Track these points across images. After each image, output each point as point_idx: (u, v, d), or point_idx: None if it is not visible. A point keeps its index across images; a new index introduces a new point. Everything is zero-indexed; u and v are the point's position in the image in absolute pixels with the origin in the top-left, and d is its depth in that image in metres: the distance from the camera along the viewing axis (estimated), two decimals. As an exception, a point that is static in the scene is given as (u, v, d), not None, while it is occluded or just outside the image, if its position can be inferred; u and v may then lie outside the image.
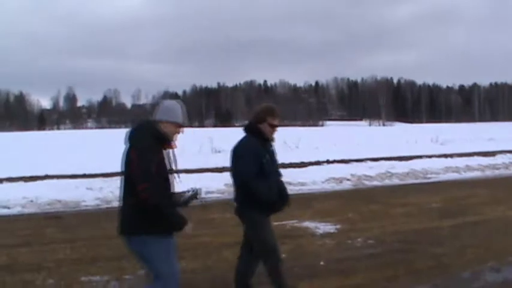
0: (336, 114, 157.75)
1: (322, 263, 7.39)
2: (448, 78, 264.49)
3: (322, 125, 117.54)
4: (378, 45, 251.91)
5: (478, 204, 11.98)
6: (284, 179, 15.12)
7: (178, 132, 4.68)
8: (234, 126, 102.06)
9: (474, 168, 19.49)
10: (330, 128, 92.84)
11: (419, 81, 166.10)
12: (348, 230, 9.50)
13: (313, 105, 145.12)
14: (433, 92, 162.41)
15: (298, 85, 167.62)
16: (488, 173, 19.06)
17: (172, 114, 4.62)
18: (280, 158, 17.94)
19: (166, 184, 4.59)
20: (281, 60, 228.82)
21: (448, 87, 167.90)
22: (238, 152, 5.40)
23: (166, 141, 4.60)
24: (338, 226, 9.80)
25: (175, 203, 4.60)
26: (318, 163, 19.04)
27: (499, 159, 21.84)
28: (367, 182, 16.45)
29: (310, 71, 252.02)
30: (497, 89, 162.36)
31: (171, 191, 4.68)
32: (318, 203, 12.40)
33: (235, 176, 5.44)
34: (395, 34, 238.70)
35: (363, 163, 19.08)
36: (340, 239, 8.78)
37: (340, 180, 16.27)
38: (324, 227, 9.72)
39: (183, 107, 4.72)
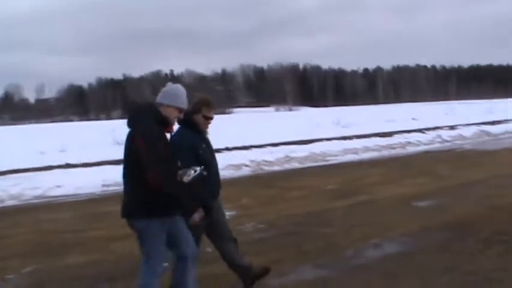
0: (244, 101, 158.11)
1: (209, 249, 7.37)
2: (352, 62, 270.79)
3: (229, 113, 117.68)
4: (284, 32, 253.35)
5: (371, 184, 12.30)
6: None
7: (179, 117, 4.73)
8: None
9: (372, 149, 19.95)
10: (237, 115, 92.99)
11: (324, 66, 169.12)
12: (241, 215, 9.54)
13: (221, 93, 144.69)
14: (338, 76, 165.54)
15: (205, 74, 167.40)
16: (385, 153, 19.52)
17: (176, 99, 4.63)
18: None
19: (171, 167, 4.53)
20: (187, 49, 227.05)
21: (352, 70, 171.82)
22: (172, 146, 5.16)
23: (168, 125, 4.62)
24: (231, 213, 9.73)
25: (187, 187, 4.55)
26: (217, 151, 18.67)
27: (395, 139, 22.46)
28: (266, 168, 16.51)
29: (216, 59, 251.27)
30: (399, 72, 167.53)
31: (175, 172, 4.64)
32: (214, 190, 12.31)
33: None
34: (301, 20, 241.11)
35: (263, 149, 19.16)
36: (231, 225, 8.71)
37: (239, 167, 16.27)
38: (217, 214, 9.69)
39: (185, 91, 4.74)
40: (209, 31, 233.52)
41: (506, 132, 27.17)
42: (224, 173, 14.96)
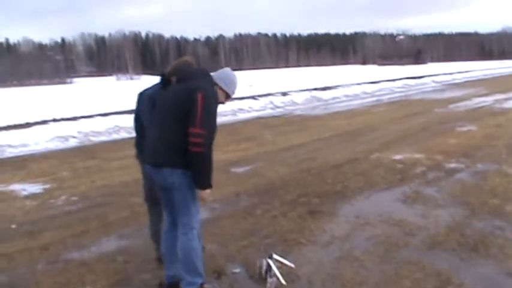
0: (85, 71, 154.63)
1: (13, 226, 7.08)
2: (195, 30, 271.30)
3: (70, 83, 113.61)
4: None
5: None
6: (4, 141, 14.31)
7: (223, 103, 4.71)
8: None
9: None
10: (77, 85, 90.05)
11: (167, 35, 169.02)
12: (56, 188, 9.24)
13: (61, 62, 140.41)
14: (180, 44, 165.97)
15: (43, 42, 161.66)
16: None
17: (231, 87, 4.71)
18: (8, 119, 16.74)
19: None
20: (23, 17, 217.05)
21: (195, 39, 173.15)
22: (145, 98, 5.14)
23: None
24: (47, 186, 9.47)
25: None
26: (44, 122, 17.92)
27: (227, 106, 22.58)
28: (94, 138, 16.08)
29: (55, 27, 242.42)
30: (241, 40, 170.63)
31: None
32: (34, 163, 11.86)
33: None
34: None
35: (92, 119, 18.59)
36: (43, 199, 8.49)
37: (66, 138, 15.70)
38: (31, 188, 9.33)
39: None
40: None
41: (336, 97, 28.53)
42: (49, 145, 14.62)
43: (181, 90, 4.43)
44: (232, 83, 4.71)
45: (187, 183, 4.43)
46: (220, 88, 4.62)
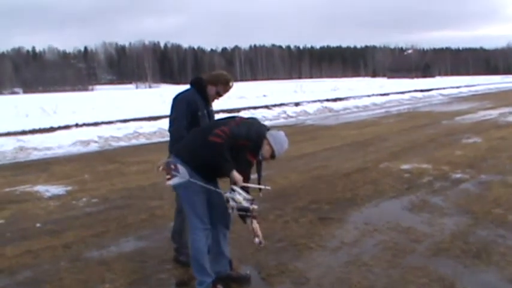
0: (106, 79, 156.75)
1: (38, 225, 7.37)
2: (211, 41, 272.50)
3: (92, 90, 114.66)
4: (144, 10, 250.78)
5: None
6: (30, 144, 14.71)
7: (267, 159, 4.91)
8: (2, 94, 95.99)
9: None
10: (98, 92, 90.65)
11: (185, 45, 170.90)
12: (77, 190, 9.55)
13: (83, 70, 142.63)
14: (198, 55, 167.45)
15: (67, 51, 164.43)
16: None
17: (278, 147, 4.81)
18: (33, 124, 17.18)
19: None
20: (49, 26, 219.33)
21: (211, 49, 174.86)
22: (176, 101, 5.44)
23: (258, 156, 4.86)
24: (69, 188, 9.77)
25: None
26: (67, 127, 18.40)
27: (243, 115, 22.93)
28: (114, 143, 16.47)
29: (78, 36, 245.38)
30: (256, 51, 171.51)
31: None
32: (57, 166, 12.26)
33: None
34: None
35: (112, 125, 18.94)
36: (65, 200, 8.79)
37: (87, 143, 16.12)
38: (54, 190, 9.64)
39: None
40: (71, 7, 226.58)
41: (347, 108, 28.84)
42: (71, 149, 15.00)
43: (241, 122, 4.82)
44: (281, 145, 4.84)
45: (184, 186, 4.76)
46: (269, 145, 4.79)
